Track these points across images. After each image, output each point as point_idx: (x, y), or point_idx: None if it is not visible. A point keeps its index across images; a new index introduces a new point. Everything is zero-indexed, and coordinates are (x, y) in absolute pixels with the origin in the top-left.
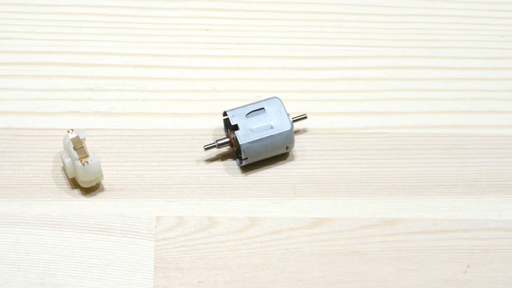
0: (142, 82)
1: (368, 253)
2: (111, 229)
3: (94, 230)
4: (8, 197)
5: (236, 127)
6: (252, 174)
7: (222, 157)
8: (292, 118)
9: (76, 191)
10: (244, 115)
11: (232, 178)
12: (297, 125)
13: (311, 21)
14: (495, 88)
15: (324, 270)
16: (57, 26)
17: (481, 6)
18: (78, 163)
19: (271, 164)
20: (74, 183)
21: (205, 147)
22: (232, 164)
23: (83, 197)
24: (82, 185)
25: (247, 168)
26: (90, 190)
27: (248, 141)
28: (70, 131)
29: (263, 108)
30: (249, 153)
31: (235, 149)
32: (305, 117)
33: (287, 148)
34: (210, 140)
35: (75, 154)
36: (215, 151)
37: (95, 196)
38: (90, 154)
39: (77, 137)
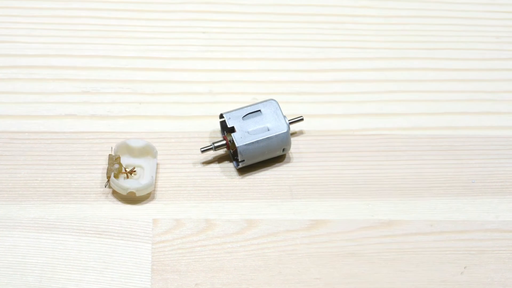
0: (139, 85)
1: (365, 254)
2: (108, 232)
3: (91, 233)
4: (5, 200)
5: (232, 129)
6: (249, 176)
7: (219, 159)
8: (289, 120)
9: (72, 194)
10: (241, 117)
11: (229, 181)
12: (294, 127)
13: (307, 23)
14: (491, 89)
15: (321, 272)
16: (54, 30)
17: (477, 7)
18: (112, 179)
19: (268, 166)
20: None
21: (202, 149)
22: (229, 166)
23: (80, 200)
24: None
25: (243, 170)
26: (86, 193)
27: (244, 143)
28: (111, 149)
29: (259, 110)
30: (246, 155)
31: (231, 151)
32: (302, 119)
33: (283, 150)
34: (207, 143)
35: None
36: (212, 154)
37: (92, 199)
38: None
39: (110, 155)
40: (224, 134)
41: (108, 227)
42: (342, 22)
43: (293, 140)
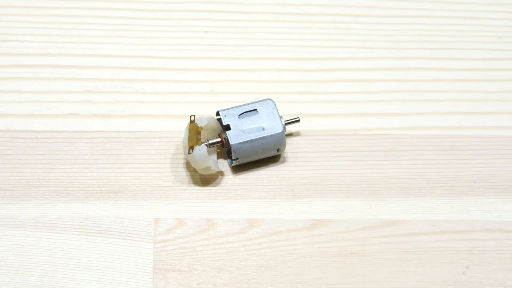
0: (141, 84)
1: (367, 254)
2: (110, 231)
3: (93, 232)
4: (7, 199)
5: (228, 127)
6: (251, 176)
7: (223, 158)
8: (285, 121)
9: (74, 193)
10: (237, 116)
11: (231, 180)
12: (295, 127)
13: (309, 22)
14: (494, 89)
15: (323, 271)
16: (56, 29)
17: (480, 7)
18: (187, 149)
19: (269, 165)
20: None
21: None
22: (236, 169)
23: (82, 199)
24: (198, 171)
25: (238, 169)
26: (88, 192)
27: (239, 141)
28: (192, 116)
29: (256, 110)
30: (240, 154)
31: (226, 149)
32: (298, 120)
33: (278, 150)
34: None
35: (186, 140)
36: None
37: (94, 198)
38: (202, 141)
39: (194, 124)
40: (219, 131)
41: (109, 226)
42: (345, 21)
43: (295, 139)
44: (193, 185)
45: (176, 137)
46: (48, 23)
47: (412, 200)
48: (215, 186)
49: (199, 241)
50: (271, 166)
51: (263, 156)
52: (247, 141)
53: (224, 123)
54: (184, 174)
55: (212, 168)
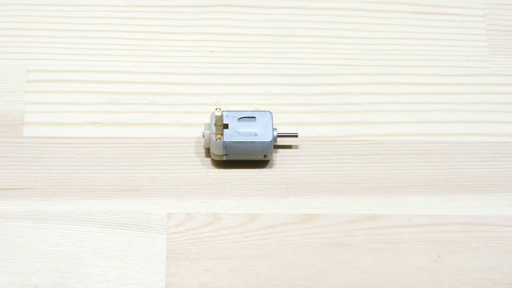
0: (155, 97)
1: (352, 244)
2: (129, 224)
3: (114, 225)
4: (40, 197)
5: (226, 126)
6: (251, 176)
7: (228, 163)
8: (280, 133)
9: (98, 191)
10: (237, 118)
11: (234, 180)
12: (289, 140)
13: (302, 43)
14: (462, 101)
15: (313, 259)
16: (82, 49)
17: (450, 30)
18: (213, 137)
19: (267, 167)
20: (207, 154)
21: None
22: (234, 169)
23: (104, 196)
24: (213, 157)
25: (239, 169)
26: (110, 190)
27: (231, 140)
28: (218, 109)
29: (254, 117)
30: (230, 151)
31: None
32: (296, 136)
33: (265, 156)
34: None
35: (214, 128)
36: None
37: (115, 196)
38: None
39: (222, 115)
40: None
41: (128, 220)
42: (332, 42)
43: (290, 144)
44: (201, 184)
45: (187, 142)
46: (75, 43)
47: (391, 197)
48: (220, 185)
49: (206, 233)
50: (269, 168)
51: (251, 158)
52: (238, 142)
53: (224, 122)
54: (193, 174)
55: (223, 154)
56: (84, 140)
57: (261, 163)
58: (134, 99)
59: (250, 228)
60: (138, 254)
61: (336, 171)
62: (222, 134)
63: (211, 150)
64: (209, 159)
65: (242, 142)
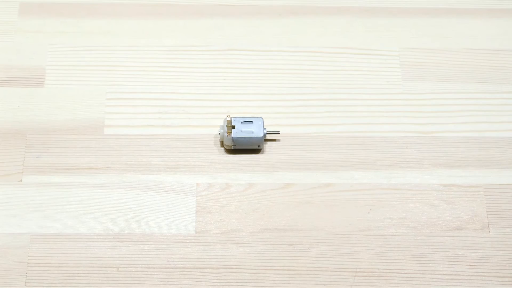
0: (188, 108)
1: (314, 202)
2: (171, 190)
3: (162, 191)
4: (114, 173)
5: (233, 127)
6: (251, 160)
7: (235, 151)
8: (268, 131)
9: (152, 169)
10: (240, 122)
11: (239, 162)
12: (274, 135)
13: (284, 74)
14: (383, 110)
15: (290, 212)
16: (142, 76)
17: (377, 64)
18: (225, 134)
19: (260, 154)
20: (221, 145)
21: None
22: (239, 155)
23: (155, 172)
24: (225, 147)
25: (235, 151)
26: (159, 168)
27: (237, 136)
28: (228, 116)
29: (252, 121)
30: (236, 143)
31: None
32: (278, 133)
33: (258, 146)
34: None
35: (226, 128)
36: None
37: (162, 172)
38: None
39: (231, 120)
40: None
41: (171, 187)
42: (303, 73)
43: (276, 137)
44: (217, 164)
45: (208, 138)
46: (137, 72)
47: (340, 172)
48: (230, 165)
49: (221, 196)
50: (261, 154)
51: (250, 147)
52: (241, 137)
53: (232, 124)
54: (212, 158)
55: (232, 145)
56: (143, 136)
57: (256, 151)
58: (175, 109)
59: (249, 192)
60: (177, 209)
61: (305, 156)
62: (231, 132)
63: (224, 142)
64: (222, 148)
65: (244, 137)
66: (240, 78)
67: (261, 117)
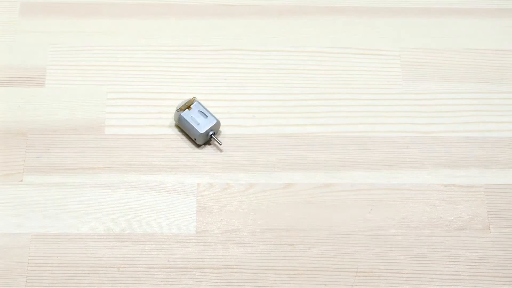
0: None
1: (315, 202)
2: (172, 190)
3: (163, 190)
4: (115, 172)
5: (189, 108)
6: (251, 159)
7: (236, 149)
8: (212, 136)
9: (152, 169)
10: (198, 110)
11: (239, 162)
12: (282, 134)
13: (282, 74)
14: (383, 110)
15: (290, 212)
16: (142, 76)
17: (378, 64)
18: (179, 107)
19: (263, 156)
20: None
21: (176, 109)
22: (242, 155)
23: (155, 172)
24: (174, 120)
25: (244, 156)
26: (160, 168)
27: (184, 117)
28: (195, 98)
29: (207, 116)
30: (179, 122)
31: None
32: (220, 143)
33: (195, 139)
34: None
35: (182, 105)
36: (228, 146)
37: (163, 171)
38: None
39: (192, 101)
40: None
41: (172, 187)
42: (301, 73)
43: (283, 140)
44: (218, 165)
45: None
46: (137, 73)
47: (341, 171)
48: (230, 166)
49: (221, 195)
50: (261, 154)
51: (189, 135)
52: (186, 120)
53: (190, 108)
54: (213, 158)
55: (176, 121)
56: (144, 136)
57: (196, 144)
58: (173, 108)
59: (250, 192)
60: (178, 209)
61: (305, 156)
62: (183, 110)
63: (174, 115)
64: (222, 148)
65: (187, 122)
66: (240, 78)
67: (218, 120)
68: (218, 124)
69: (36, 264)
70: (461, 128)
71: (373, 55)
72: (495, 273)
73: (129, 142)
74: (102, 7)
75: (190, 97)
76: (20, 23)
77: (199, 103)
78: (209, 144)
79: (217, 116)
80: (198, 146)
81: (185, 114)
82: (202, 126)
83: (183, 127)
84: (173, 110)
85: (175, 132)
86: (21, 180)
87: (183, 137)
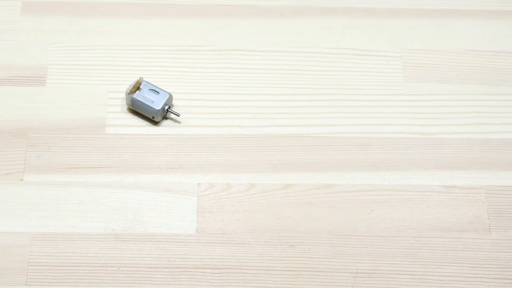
0: (190, 108)
1: (315, 203)
2: (173, 190)
3: (163, 190)
4: (115, 172)
5: (139, 89)
6: (252, 160)
7: (236, 150)
8: (169, 110)
9: (152, 169)
10: (148, 88)
11: (241, 162)
12: (282, 134)
13: (282, 74)
14: (384, 111)
15: (291, 212)
16: (142, 76)
17: (379, 65)
18: (128, 91)
19: (263, 156)
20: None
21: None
22: (243, 155)
23: (156, 172)
24: (127, 105)
25: (245, 155)
26: (161, 168)
27: (137, 98)
28: (141, 78)
29: (158, 92)
30: (134, 105)
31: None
32: (178, 115)
33: (153, 117)
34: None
35: (132, 88)
36: (226, 148)
37: (164, 171)
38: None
39: (140, 82)
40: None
41: (173, 187)
42: (302, 73)
43: (286, 139)
44: (219, 164)
45: (209, 138)
46: (137, 72)
47: (341, 172)
48: (231, 165)
49: (222, 195)
50: (262, 154)
51: (146, 114)
52: (140, 101)
53: (140, 87)
54: (213, 158)
55: (130, 105)
56: (145, 136)
57: (154, 122)
58: (176, 109)
59: (251, 193)
60: (178, 209)
61: (306, 156)
62: (134, 92)
63: (126, 100)
64: (223, 148)
65: (142, 102)
66: (241, 78)
67: (170, 94)
68: (171, 97)
69: (36, 263)
70: (462, 129)
71: (374, 56)
72: (496, 275)
73: (130, 142)
74: (104, 6)
75: (223, 115)
76: (22, 22)
77: (147, 82)
78: (166, 118)
79: (217, 116)
80: (156, 123)
81: (137, 95)
82: (157, 103)
83: (138, 109)
84: (173, 109)
85: (175, 132)
86: (22, 179)
87: (184, 137)
